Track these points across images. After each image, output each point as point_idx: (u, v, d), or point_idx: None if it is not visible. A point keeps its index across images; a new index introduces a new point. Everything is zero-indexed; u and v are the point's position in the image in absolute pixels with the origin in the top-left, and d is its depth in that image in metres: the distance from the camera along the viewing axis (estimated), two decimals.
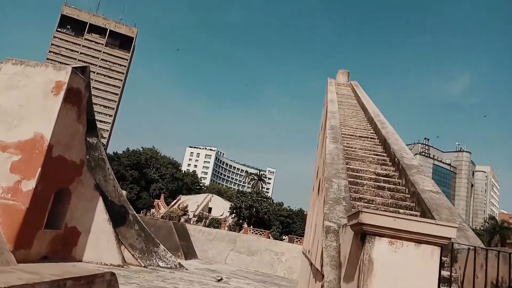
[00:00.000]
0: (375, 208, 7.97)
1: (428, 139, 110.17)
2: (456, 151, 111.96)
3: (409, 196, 8.62)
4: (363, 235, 3.35)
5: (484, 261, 4.72)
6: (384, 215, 3.24)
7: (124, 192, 22.95)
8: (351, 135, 13.57)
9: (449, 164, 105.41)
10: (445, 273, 4.25)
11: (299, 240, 38.68)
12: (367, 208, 7.96)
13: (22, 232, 12.65)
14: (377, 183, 9.29)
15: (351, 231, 4.20)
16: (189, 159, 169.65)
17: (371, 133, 14.44)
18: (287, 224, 78.67)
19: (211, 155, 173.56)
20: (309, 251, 12.28)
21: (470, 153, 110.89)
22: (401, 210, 7.92)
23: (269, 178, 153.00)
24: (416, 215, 7.26)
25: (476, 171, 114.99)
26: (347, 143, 12.21)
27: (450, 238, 3.13)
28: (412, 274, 3.16)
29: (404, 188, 9.07)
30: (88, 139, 17.99)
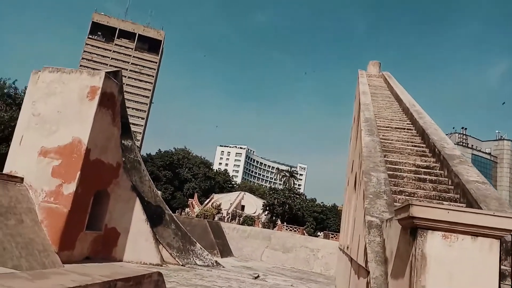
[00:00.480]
0: (418, 200, 7.66)
1: (465, 129, 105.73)
2: (496, 140, 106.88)
3: (452, 187, 8.23)
4: (413, 229, 3.17)
5: None
6: (437, 208, 3.04)
7: (159, 193, 23.41)
8: (386, 127, 13.16)
9: (489, 154, 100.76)
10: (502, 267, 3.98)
11: (334, 236, 38.18)
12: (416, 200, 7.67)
13: (65, 234, 13.12)
14: (418, 175, 8.93)
15: (398, 226, 4.01)
16: (220, 158, 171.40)
17: (407, 124, 13.95)
18: (321, 220, 78.05)
19: (241, 153, 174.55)
20: (347, 247, 12.02)
21: (511, 141, 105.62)
22: (445, 202, 7.57)
23: (301, 175, 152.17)
24: (462, 207, 6.90)
25: None
26: (383, 135, 11.84)
27: (510, 230, 2.90)
28: (469, 269, 2.96)
29: (446, 179, 8.67)
30: (123, 141, 18.43)
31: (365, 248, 5.41)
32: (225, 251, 32.29)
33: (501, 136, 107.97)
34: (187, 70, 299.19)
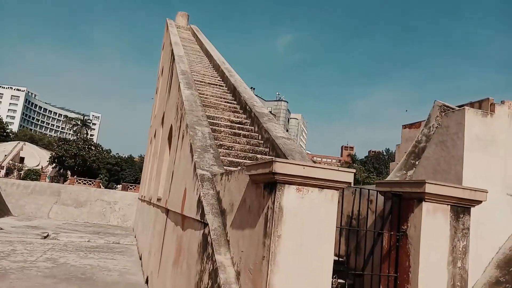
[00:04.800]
0: (236, 154, 8.21)
1: (254, 88, 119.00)
2: (276, 100, 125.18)
3: (263, 142, 9.15)
4: (271, 183, 3.35)
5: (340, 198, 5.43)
6: (296, 164, 3.28)
7: None
8: (200, 82, 13.38)
9: (270, 112, 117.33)
10: None
11: (133, 188, 37.63)
12: (229, 155, 8.13)
13: None
14: (233, 130, 9.52)
15: (244, 180, 4.17)
16: None
17: (218, 80, 14.54)
18: (115, 172, 75.23)
19: (19, 97, 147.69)
20: (158, 199, 12.01)
21: (287, 102, 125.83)
22: (257, 155, 8.37)
23: (94, 124, 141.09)
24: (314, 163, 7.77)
25: (290, 118, 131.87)
26: (198, 90, 12.00)
27: (349, 183, 3.42)
28: (317, 217, 3.36)
29: (257, 134, 9.56)
30: None
31: (199, 201, 5.48)
32: (1, 210, 27.52)
33: (280, 97, 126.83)
34: None
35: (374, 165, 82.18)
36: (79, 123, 76.83)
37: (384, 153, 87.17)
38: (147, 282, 11.21)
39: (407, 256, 3.90)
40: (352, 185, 3.82)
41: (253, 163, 3.72)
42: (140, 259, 15.11)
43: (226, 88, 13.50)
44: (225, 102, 11.76)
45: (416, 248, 3.81)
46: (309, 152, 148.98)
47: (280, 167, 3.21)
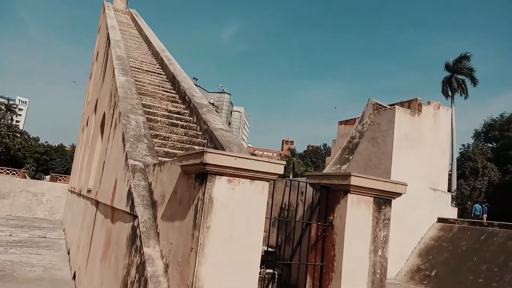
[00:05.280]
0: (172, 144, 8.02)
1: (196, 79, 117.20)
2: (219, 92, 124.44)
3: (201, 133, 9.03)
4: (202, 174, 3.30)
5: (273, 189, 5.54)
6: (227, 155, 3.25)
7: None
8: (138, 68, 12.86)
9: (213, 104, 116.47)
10: None
11: (63, 179, 35.41)
12: (165, 145, 7.92)
13: None
14: (171, 120, 9.29)
15: (175, 171, 4.07)
16: None
17: (157, 68, 14.09)
18: (44, 162, 70.30)
19: None
20: (88, 190, 11.40)
21: (230, 94, 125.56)
22: (195, 147, 8.25)
23: (20, 109, 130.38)
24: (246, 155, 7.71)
25: (233, 111, 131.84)
26: (135, 77, 11.53)
27: (280, 174, 3.47)
28: (247, 208, 3.37)
29: (196, 125, 9.42)
30: None
31: (129, 192, 5.27)
32: None
33: (223, 90, 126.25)
34: None
35: (312, 159, 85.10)
36: (2, 107, 70.52)
37: (322, 148, 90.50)
38: (74, 277, 10.63)
39: (333, 245, 4.06)
40: (291, 177, 3.90)
41: (185, 154, 3.64)
42: (68, 253, 14.29)
43: (165, 77, 13.12)
44: (163, 91, 11.42)
45: (341, 237, 3.98)
46: (251, 146, 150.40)
47: (211, 158, 3.17)
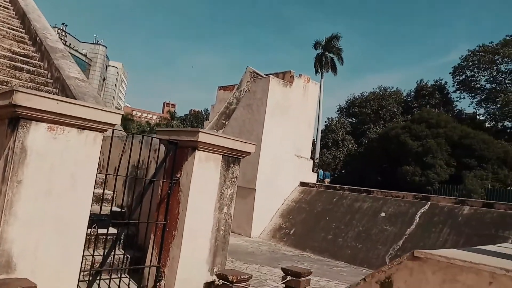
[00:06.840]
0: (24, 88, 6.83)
1: (66, 25, 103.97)
2: (93, 43, 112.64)
3: (52, 81, 7.92)
4: (15, 119, 2.74)
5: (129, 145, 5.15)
6: (46, 97, 2.75)
7: None
8: None
9: (85, 55, 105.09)
10: None
11: None
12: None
13: None
14: (14, 63, 7.92)
15: None
16: None
17: (4, 1, 11.83)
18: None
19: None
20: None
21: (106, 47, 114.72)
22: None
23: None
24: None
25: (109, 66, 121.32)
26: None
27: (115, 125, 3.11)
28: (73, 160, 2.96)
29: (46, 72, 8.22)
30: None
31: None
32: None
33: (98, 41, 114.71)
34: None
35: (193, 123, 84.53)
36: None
37: (203, 113, 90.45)
38: None
39: (178, 203, 3.92)
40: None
41: None
42: None
43: (14, 12, 11.11)
44: (8, 28, 9.65)
45: (186, 195, 3.86)
46: (129, 105, 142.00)
47: (24, 99, 2.64)
